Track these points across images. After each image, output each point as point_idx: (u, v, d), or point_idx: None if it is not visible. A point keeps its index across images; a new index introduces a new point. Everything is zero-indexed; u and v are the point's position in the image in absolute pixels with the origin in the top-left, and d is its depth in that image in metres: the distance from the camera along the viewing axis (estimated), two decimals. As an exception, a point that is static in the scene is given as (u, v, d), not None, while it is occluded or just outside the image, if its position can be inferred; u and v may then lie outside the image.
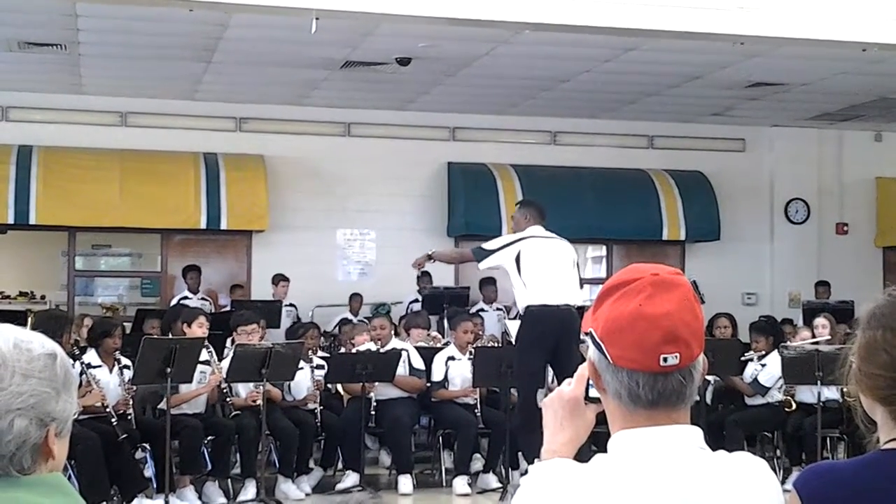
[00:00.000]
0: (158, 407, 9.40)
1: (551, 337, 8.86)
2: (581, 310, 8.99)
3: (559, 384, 2.14)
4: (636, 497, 1.85)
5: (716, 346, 9.96)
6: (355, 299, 14.78)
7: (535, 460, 2.09)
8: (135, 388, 9.03)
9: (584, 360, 2.07)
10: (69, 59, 12.81)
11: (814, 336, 10.89)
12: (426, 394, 10.41)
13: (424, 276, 14.94)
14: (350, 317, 14.39)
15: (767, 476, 1.97)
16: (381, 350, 10.34)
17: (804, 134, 16.85)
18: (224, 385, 9.47)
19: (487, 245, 9.28)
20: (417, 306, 14.42)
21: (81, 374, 8.63)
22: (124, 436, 8.60)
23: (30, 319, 9.85)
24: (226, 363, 9.54)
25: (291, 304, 14.47)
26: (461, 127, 16.06)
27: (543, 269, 8.97)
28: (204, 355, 9.30)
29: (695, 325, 1.94)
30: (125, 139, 14.88)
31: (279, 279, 14.51)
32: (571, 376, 2.14)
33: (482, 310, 14.52)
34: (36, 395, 1.77)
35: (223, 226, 14.76)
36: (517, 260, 9.01)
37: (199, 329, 9.50)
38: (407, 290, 15.01)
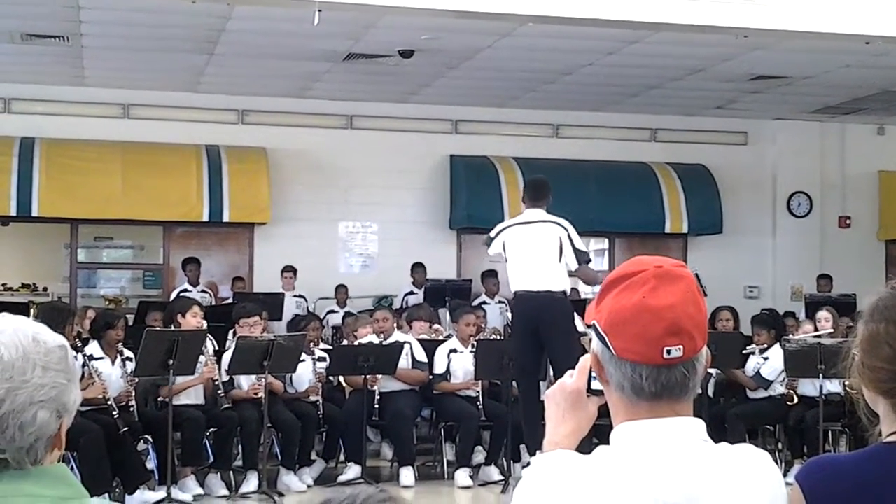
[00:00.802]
0: (160, 399, 9.40)
1: (532, 322, 8.99)
2: (584, 302, 9.00)
3: (556, 378, 2.14)
4: (639, 489, 1.85)
5: (718, 339, 9.95)
6: (340, 291, 14.80)
7: (538, 452, 2.09)
8: (137, 379, 9.03)
9: (584, 351, 2.07)
10: (72, 51, 12.80)
11: (816, 329, 10.88)
12: (428, 386, 10.41)
13: (418, 269, 14.96)
14: (336, 308, 14.43)
15: (770, 469, 1.97)
16: (384, 342, 10.34)
17: (807, 127, 16.84)
18: (216, 379, 9.45)
19: (492, 232, 9.46)
20: (412, 298, 14.47)
21: (83, 366, 8.63)
22: (125, 429, 8.60)
23: (32, 311, 9.87)
24: (227, 355, 9.55)
25: (301, 296, 14.49)
26: (463, 119, 16.05)
27: (523, 256, 9.10)
28: (198, 346, 9.30)
29: (698, 317, 1.94)
30: (127, 131, 14.88)
31: (285, 270, 14.54)
32: (572, 368, 2.14)
33: (484, 302, 14.54)
34: (56, 387, 1.81)
35: (225, 218, 14.77)
36: (504, 249, 9.24)
37: (193, 319, 9.50)
38: (409, 283, 15.03)
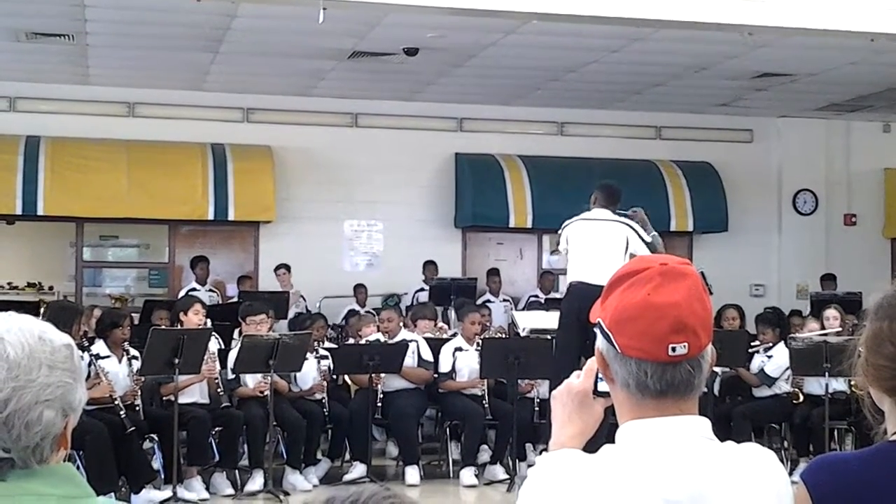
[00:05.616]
0: (164, 397, 9.40)
1: (583, 314, 8.86)
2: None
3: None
4: (644, 487, 1.85)
5: (723, 338, 9.94)
6: (360, 290, 14.78)
7: (544, 452, 2.09)
8: (143, 378, 9.04)
9: None
10: (77, 49, 12.81)
11: (822, 327, 10.86)
12: (433, 385, 10.41)
13: (430, 266, 14.96)
14: (357, 308, 14.40)
15: (775, 467, 1.96)
16: (389, 341, 10.34)
17: (812, 125, 16.82)
18: (217, 378, 9.45)
19: (559, 230, 9.50)
20: (423, 295, 14.45)
21: (90, 365, 8.63)
22: (132, 428, 8.60)
23: (42, 309, 9.86)
24: (233, 354, 9.55)
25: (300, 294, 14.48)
26: (468, 117, 16.05)
27: (585, 249, 9.12)
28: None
29: (703, 314, 1.94)
30: (133, 130, 14.89)
31: (279, 268, 14.50)
32: None
33: (489, 301, 14.54)
34: (62, 386, 1.81)
35: (230, 217, 14.77)
36: (567, 242, 9.31)
37: (195, 317, 9.52)
38: (414, 281, 15.03)
